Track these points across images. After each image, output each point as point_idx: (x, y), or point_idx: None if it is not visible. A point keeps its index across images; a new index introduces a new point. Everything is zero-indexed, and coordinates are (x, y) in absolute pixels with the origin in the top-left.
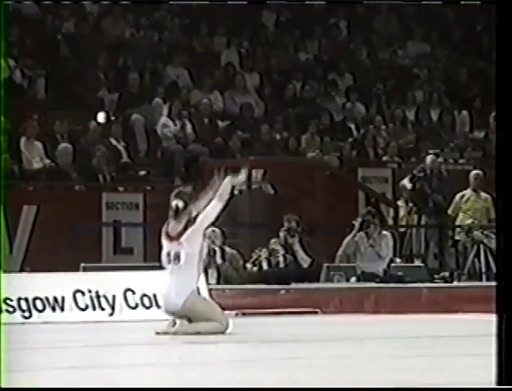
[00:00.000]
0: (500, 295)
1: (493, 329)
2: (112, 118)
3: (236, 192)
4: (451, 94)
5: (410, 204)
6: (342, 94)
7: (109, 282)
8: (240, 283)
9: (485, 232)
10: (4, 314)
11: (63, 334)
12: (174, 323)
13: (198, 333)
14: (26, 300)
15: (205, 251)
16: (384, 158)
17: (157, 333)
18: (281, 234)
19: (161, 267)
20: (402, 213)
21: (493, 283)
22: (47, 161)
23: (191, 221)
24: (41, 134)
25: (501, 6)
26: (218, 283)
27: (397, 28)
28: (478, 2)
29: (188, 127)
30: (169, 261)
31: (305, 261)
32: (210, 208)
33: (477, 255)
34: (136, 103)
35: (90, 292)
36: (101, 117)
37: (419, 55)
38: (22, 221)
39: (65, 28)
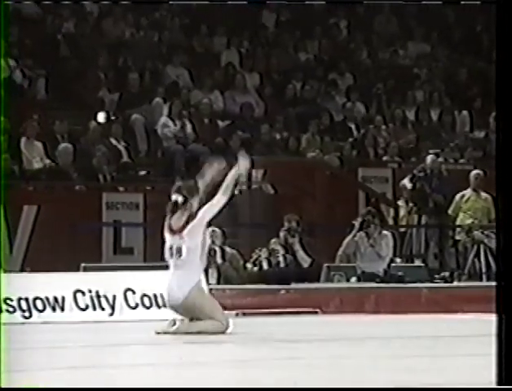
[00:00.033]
0: (501, 295)
1: (493, 329)
2: (113, 118)
3: (236, 192)
4: (451, 93)
5: (410, 204)
6: (343, 94)
7: (109, 282)
8: (240, 283)
9: (485, 232)
10: (4, 314)
11: (63, 334)
12: (174, 323)
13: (198, 333)
14: (26, 300)
15: (208, 244)
16: (384, 158)
17: (157, 333)
18: (281, 234)
19: (161, 267)
20: (402, 212)
21: (493, 283)
22: (47, 161)
23: (192, 216)
24: (41, 134)
25: (501, 6)
26: (218, 283)
27: (397, 28)
28: (478, 2)
29: (188, 127)
30: (171, 255)
31: (305, 261)
32: (214, 202)
33: (477, 255)
34: (136, 103)
35: (90, 292)
36: (101, 117)
37: (419, 55)
38: (22, 221)
39: (65, 28)
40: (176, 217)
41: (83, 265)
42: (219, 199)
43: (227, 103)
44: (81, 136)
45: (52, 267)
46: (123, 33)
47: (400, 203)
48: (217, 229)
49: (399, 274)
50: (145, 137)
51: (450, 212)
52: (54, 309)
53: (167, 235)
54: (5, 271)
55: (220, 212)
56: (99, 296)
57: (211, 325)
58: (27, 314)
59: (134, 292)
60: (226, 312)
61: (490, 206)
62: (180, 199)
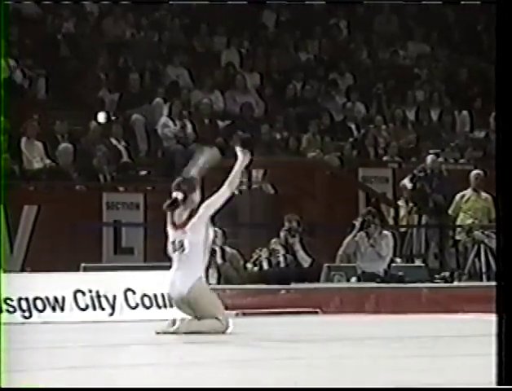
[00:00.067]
0: (501, 295)
1: (493, 329)
2: (113, 118)
3: (236, 192)
4: (451, 94)
5: (410, 204)
6: (343, 94)
7: (109, 282)
8: (240, 283)
9: (486, 232)
10: (4, 314)
11: (63, 334)
12: (174, 323)
13: (198, 332)
14: (26, 300)
15: (211, 239)
16: (384, 158)
17: (157, 333)
18: (282, 234)
19: (161, 267)
20: (402, 212)
21: (494, 283)
22: (48, 161)
23: (194, 210)
24: (41, 134)
25: (501, 6)
26: (218, 283)
27: (397, 28)
28: (478, 2)
29: (189, 127)
30: (174, 250)
31: (305, 260)
32: (217, 196)
33: (477, 255)
34: (136, 103)
35: (90, 291)
36: (101, 117)
37: (419, 55)
38: (22, 221)
39: (65, 28)
40: (178, 212)
41: (83, 265)
42: (223, 192)
43: (228, 103)
44: (81, 136)
45: (52, 267)
46: (123, 33)
47: (400, 203)
48: (217, 229)
49: (400, 274)
50: (145, 137)
51: (450, 212)
52: (54, 309)
53: (170, 231)
54: (5, 271)
55: (222, 207)
56: (99, 296)
57: (211, 325)
58: (27, 314)
59: (134, 292)
60: (226, 312)
61: (490, 206)
62: (180, 196)
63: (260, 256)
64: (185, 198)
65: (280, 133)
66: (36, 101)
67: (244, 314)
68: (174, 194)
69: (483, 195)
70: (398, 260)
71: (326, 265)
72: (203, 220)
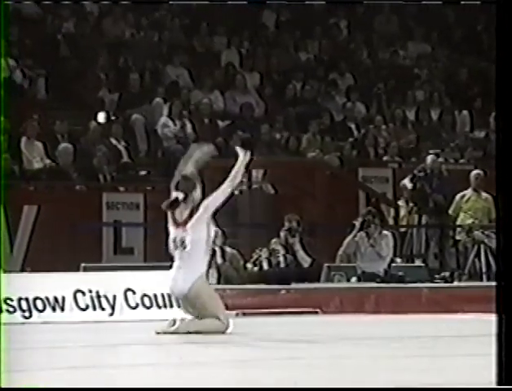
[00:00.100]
0: (501, 295)
1: (493, 329)
2: (113, 118)
3: (236, 192)
4: (451, 93)
5: (411, 204)
6: (343, 94)
7: (109, 282)
8: (240, 283)
9: (486, 232)
10: (4, 314)
11: (63, 334)
12: (174, 323)
13: (198, 332)
14: (26, 300)
15: (212, 236)
16: (384, 158)
17: (157, 333)
18: (282, 234)
19: (161, 267)
20: (402, 212)
21: (494, 283)
22: (48, 161)
23: (195, 208)
24: (41, 134)
25: (501, 6)
26: (218, 283)
27: (397, 28)
28: (478, 2)
29: (188, 127)
30: (175, 247)
31: (305, 260)
32: (218, 193)
33: (477, 255)
34: (136, 103)
35: (90, 292)
36: (101, 117)
37: (419, 55)
38: (22, 221)
39: (65, 28)
40: (179, 210)
41: (83, 265)
42: (224, 190)
43: (227, 103)
44: (81, 136)
45: (52, 267)
46: (123, 33)
47: (401, 203)
48: (217, 229)
49: (400, 274)
50: (145, 137)
51: (450, 212)
52: (54, 309)
53: (171, 228)
54: (5, 271)
55: (223, 205)
56: (99, 296)
57: (211, 324)
58: (27, 314)
59: (134, 292)
60: (226, 312)
61: (490, 206)
62: (181, 196)
63: (260, 256)
64: (186, 197)
65: (280, 133)
66: (36, 101)
67: (244, 314)
68: (175, 194)
69: (484, 195)
70: (398, 260)
71: (326, 265)
72: (204, 218)
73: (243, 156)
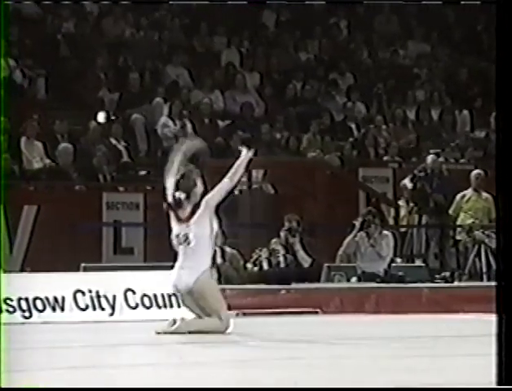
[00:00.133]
0: (501, 295)
1: (493, 329)
2: (113, 118)
3: (236, 192)
4: (451, 93)
5: (411, 204)
6: (343, 94)
7: (109, 282)
8: (240, 283)
9: (486, 232)
10: (4, 314)
11: (63, 334)
12: (174, 322)
13: (198, 332)
14: (26, 300)
15: (215, 231)
16: (385, 158)
17: (157, 333)
18: (282, 234)
19: (161, 267)
20: (403, 212)
21: (494, 283)
22: (47, 161)
23: (197, 204)
24: (41, 134)
25: (501, 6)
26: (218, 283)
27: (397, 27)
28: (478, 2)
29: (189, 127)
30: (179, 243)
31: (305, 260)
32: (219, 188)
33: (478, 255)
34: (136, 103)
35: (90, 292)
36: (101, 117)
37: (419, 55)
38: (22, 221)
39: (65, 28)
40: (181, 208)
41: (83, 265)
42: (225, 184)
43: (228, 103)
44: (81, 136)
45: (52, 267)
46: (123, 33)
47: (401, 203)
48: (217, 229)
49: (400, 274)
50: (145, 137)
51: (451, 212)
52: (54, 309)
53: (174, 225)
54: (5, 271)
55: (223, 200)
56: (99, 296)
57: (211, 324)
58: (27, 314)
59: (134, 292)
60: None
61: (491, 206)
62: (183, 195)
63: (260, 256)
64: (187, 196)
65: (281, 133)
66: (36, 101)
67: (244, 314)
68: (177, 194)
69: (484, 194)
70: (398, 260)
71: (326, 265)
72: (206, 213)
73: (245, 153)
